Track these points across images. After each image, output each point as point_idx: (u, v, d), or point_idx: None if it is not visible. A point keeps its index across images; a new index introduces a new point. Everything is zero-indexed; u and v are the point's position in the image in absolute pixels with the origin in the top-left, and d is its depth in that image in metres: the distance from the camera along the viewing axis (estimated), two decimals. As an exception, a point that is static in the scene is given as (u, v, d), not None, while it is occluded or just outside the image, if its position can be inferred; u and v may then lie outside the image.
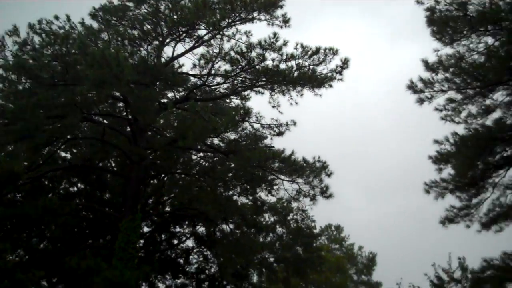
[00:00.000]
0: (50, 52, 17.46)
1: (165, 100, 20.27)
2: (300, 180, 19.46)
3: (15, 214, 18.36)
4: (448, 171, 19.61)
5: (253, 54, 18.43)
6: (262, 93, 20.21)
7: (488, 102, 18.42)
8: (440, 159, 19.44)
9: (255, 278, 26.46)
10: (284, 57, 18.34)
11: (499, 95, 18.11)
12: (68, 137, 19.30)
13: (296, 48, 18.22)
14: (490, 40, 16.99)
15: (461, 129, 18.93)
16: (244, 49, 18.35)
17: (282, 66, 18.47)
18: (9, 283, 16.58)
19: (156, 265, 22.94)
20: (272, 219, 25.94)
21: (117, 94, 18.72)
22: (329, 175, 19.15)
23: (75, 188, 23.28)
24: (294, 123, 20.23)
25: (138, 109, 17.31)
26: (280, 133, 20.45)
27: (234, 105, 21.75)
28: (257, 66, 18.49)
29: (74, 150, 21.91)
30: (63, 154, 21.79)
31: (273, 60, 18.39)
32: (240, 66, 18.71)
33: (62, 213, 19.61)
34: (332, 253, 40.29)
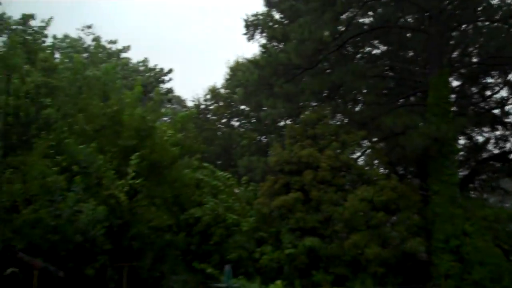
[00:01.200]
0: None
1: None
2: None
3: (328, 82, 20.19)
4: None
5: None
6: None
7: None
8: None
9: None
10: None
11: None
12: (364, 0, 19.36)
13: None
14: None
15: None
16: None
17: None
18: (337, 144, 18.88)
19: (472, 118, 22.02)
20: None
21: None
22: None
23: (378, 51, 23.70)
24: None
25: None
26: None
27: None
28: None
29: (371, 13, 21.90)
30: (361, 20, 22.09)
31: None
32: None
33: (370, 75, 20.50)
34: None
